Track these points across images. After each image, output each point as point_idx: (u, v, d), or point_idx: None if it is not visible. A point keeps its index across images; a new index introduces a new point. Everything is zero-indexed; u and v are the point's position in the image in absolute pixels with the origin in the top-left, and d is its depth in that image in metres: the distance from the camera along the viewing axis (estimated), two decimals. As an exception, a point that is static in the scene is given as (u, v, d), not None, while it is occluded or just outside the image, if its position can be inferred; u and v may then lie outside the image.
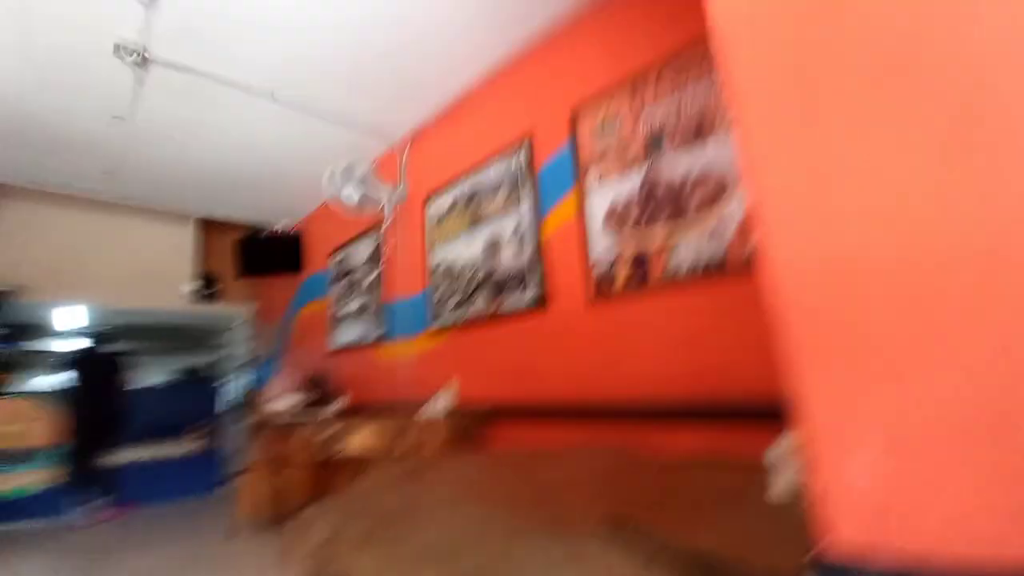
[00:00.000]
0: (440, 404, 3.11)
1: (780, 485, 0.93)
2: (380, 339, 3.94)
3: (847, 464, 0.45)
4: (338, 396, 4.18)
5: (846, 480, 0.44)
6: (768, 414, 1.32)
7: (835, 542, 0.46)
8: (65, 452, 4.30)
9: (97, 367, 4.45)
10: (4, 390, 4.33)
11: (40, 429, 4.35)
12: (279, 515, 3.84)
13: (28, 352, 6.09)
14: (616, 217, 2.23)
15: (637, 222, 2.15)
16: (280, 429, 3.84)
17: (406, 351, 3.64)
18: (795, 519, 0.77)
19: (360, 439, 2.28)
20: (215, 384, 5.51)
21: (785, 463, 0.95)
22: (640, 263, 2.12)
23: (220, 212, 5.28)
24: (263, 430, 4.25)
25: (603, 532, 0.83)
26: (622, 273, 2.18)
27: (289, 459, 3.77)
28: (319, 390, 4.44)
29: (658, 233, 2.07)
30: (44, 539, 3.74)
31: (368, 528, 0.92)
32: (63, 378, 4.28)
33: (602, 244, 2.28)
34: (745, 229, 1.82)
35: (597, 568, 0.71)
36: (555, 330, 2.52)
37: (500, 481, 1.32)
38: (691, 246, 1.97)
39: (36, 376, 5.44)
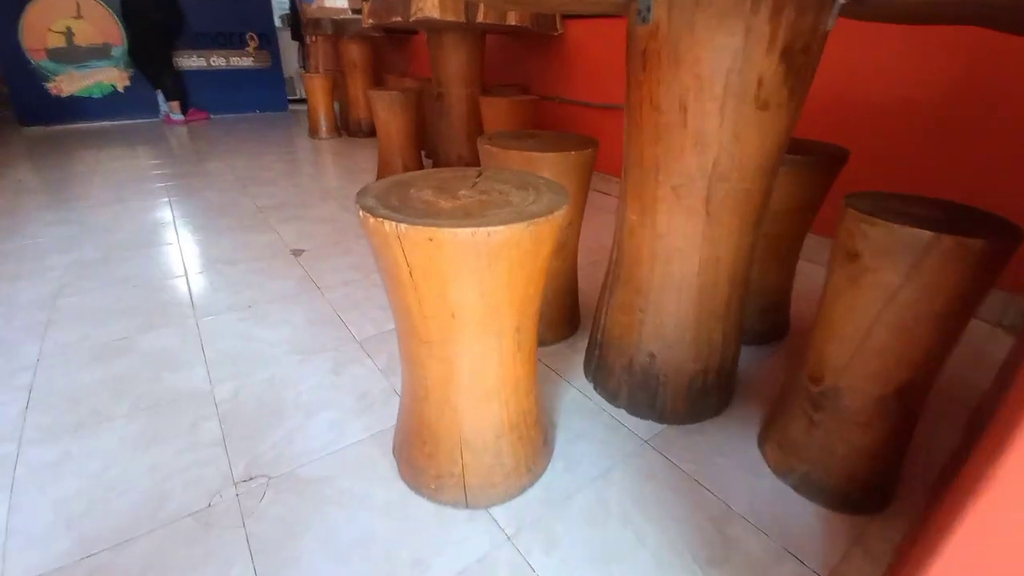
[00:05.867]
0: None
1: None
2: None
3: None
4: None
5: None
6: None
7: None
8: (130, 51, 4.29)
9: None
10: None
11: (99, 26, 4.24)
12: (345, 120, 3.96)
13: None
14: None
15: None
16: (334, 34, 3.58)
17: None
18: None
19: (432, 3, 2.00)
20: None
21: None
22: None
23: None
24: (317, 36, 4.01)
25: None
26: None
27: (348, 65, 3.64)
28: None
29: None
30: (136, 135, 4.08)
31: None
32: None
33: None
34: None
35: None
36: None
37: None
38: None
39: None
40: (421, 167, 2.49)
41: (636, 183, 0.86)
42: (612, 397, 1.02)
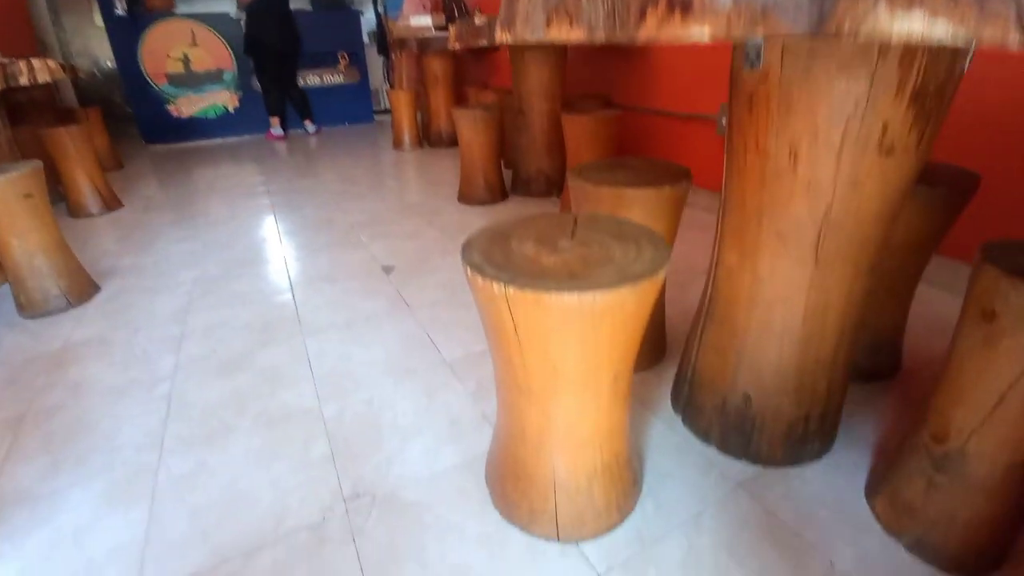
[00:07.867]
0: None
1: None
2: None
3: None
4: (473, 14, 3.83)
5: None
6: None
7: None
8: (251, 71, 4.60)
9: None
10: (173, 12, 4.50)
11: (212, 52, 4.68)
12: (427, 131, 4.13)
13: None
14: None
15: None
16: (418, 50, 3.74)
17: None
18: None
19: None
20: (354, 11, 5.31)
21: None
22: None
23: None
24: (402, 52, 4.20)
25: None
26: None
27: (430, 79, 3.78)
28: (453, 8, 4.09)
29: None
30: (244, 150, 4.47)
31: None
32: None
33: None
34: None
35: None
36: None
37: None
38: None
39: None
40: (502, 180, 2.54)
41: (736, 226, 0.84)
42: (702, 435, 1.00)
